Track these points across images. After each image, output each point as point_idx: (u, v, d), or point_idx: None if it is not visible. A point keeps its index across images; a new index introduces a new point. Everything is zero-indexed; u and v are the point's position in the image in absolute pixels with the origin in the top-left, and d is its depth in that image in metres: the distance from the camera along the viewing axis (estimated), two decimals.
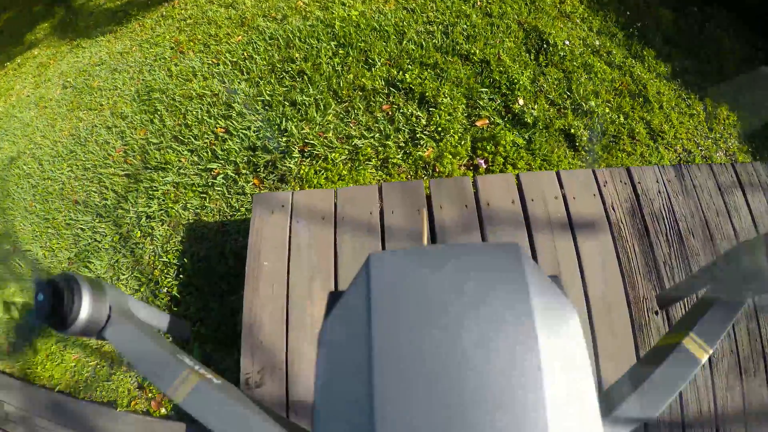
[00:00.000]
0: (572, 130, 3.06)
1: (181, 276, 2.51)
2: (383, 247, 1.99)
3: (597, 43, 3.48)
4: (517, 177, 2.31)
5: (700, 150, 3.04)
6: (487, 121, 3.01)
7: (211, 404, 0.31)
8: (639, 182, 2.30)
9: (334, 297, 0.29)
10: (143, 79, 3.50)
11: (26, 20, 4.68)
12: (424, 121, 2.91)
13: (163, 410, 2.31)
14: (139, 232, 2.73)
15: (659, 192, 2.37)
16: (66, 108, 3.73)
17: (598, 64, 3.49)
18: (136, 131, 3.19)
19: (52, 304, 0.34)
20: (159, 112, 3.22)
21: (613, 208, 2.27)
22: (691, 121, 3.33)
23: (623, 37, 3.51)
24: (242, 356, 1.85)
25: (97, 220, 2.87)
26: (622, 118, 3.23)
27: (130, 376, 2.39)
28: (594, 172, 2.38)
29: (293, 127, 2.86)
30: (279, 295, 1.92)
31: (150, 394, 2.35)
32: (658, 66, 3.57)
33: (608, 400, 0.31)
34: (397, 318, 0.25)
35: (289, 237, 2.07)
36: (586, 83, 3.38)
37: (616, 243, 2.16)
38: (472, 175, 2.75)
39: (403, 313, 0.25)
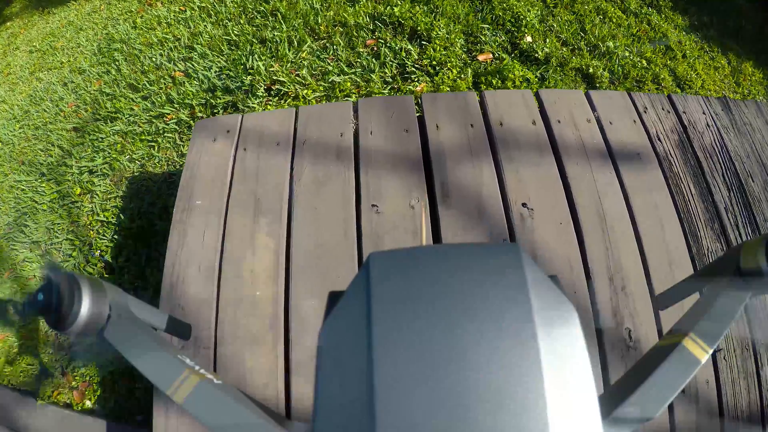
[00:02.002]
0: (591, 70, 2.32)
1: (116, 237, 1.79)
2: (356, 176, 1.26)
3: None
4: (537, 94, 1.59)
5: None
6: (491, 56, 2.27)
7: (212, 405, 0.27)
8: (684, 112, 1.64)
9: (334, 297, 0.26)
10: (106, 33, 2.81)
11: None
12: (415, 55, 2.18)
13: (88, 402, 1.59)
14: (78, 188, 2.03)
15: (708, 125, 1.69)
16: (28, 71, 3.05)
17: (612, 9, 2.80)
18: (91, 84, 2.49)
19: (52, 304, 0.30)
20: (117, 62, 2.53)
21: (659, 139, 1.55)
22: (717, 74, 2.69)
23: None
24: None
25: (39, 180, 2.16)
26: (644, 62, 2.55)
27: (56, 361, 1.68)
28: (630, 95, 1.64)
29: (261, 65, 2.14)
30: (211, 244, 1.20)
31: (74, 383, 1.63)
32: (676, 17, 2.92)
33: (608, 401, 0.27)
34: (397, 318, 0.21)
35: (232, 169, 1.34)
36: (600, 26, 2.65)
37: (668, 180, 1.45)
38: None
39: (403, 313, 0.22)
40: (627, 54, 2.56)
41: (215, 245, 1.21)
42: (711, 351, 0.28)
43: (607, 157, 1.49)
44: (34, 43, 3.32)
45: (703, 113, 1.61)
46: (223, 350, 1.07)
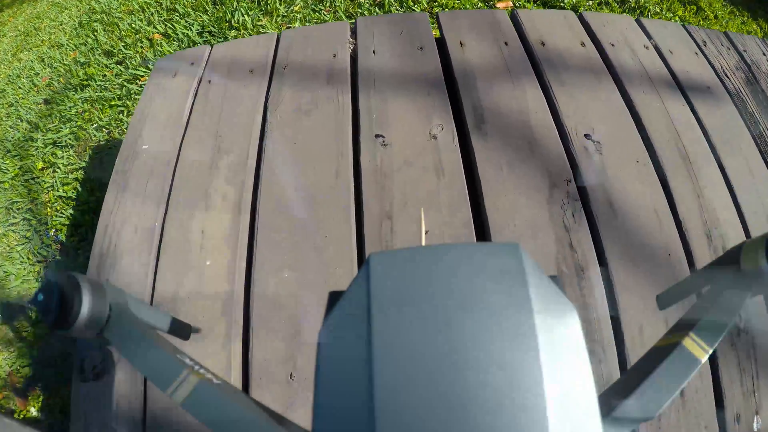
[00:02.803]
0: None
1: (74, 214, 1.42)
2: (353, 102, 0.86)
3: None
4: (581, 17, 1.17)
5: None
6: (510, 4, 1.87)
7: (212, 405, 0.26)
8: (745, 50, 1.32)
9: (334, 297, 0.24)
10: (89, 8, 2.45)
11: None
12: (425, 3, 1.78)
13: (32, 410, 1.22)
14: (41, 162, 1.67)
15: None
16: (10, 54, 2.73)
17: None
18: (67, 56, 2.13)
19: (53, 304, 0.29)
20: (95, 32, 2.20)
21: (726, 75, 1.20)
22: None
23: None
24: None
25: (4, 157, 1.80)
26: (677, 20, 2.12)
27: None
28: (685, 26, 1.31)
29: (248, 19, 1.76)
30: (153, 199, 0.81)
31: (19, 384, 1.26)
32: None
33: (608, 401, 0.26)
34: (397, 318, 0.20)
35: (192, 105, 0.95)
36: None
37: (745, 121, 1.07)
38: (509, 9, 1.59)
39: (403, 314, 0.20)
40: (658, 10, 2.17)
41: (159, 199, 0.83)
42: (711, 351, 0.26)
43: (675, 88, 1.11)
44: (19, 27, 3.02)
45: (764, 54, 1.31)
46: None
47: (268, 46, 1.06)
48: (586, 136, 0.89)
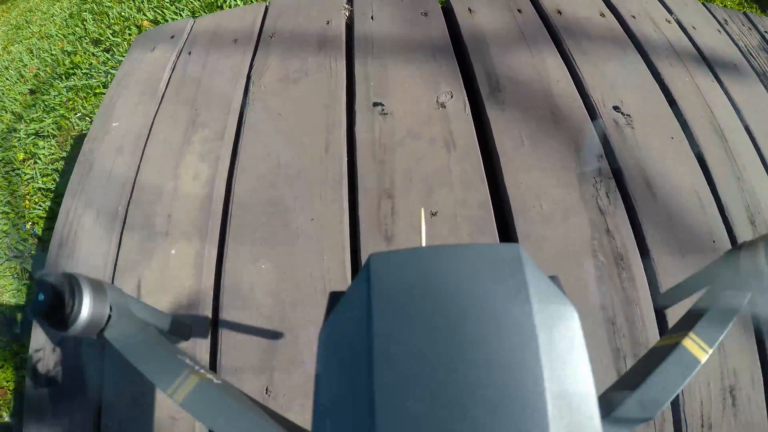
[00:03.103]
0: None
1: (52, 206, 1.29)
2: (348, 69, 0.73)
3: None
4: None
5: None
6: None
7: (212, 405, 0.25)
8: (766, 32, 1.21)
9: (335, 297, 0.23)
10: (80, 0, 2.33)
11: None
12: None
13: (4, 414, 1.11)
14: (22, 154, 1.55)
15: None
16: (1, 47, 2.60)
17: None
18: (56, 46, 2.02)
19: (53, 304, 0.29)
20: (84, 22, 2.08)
21: (751, 54, 1.10)
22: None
23: None
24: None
25: None
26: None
27: None
28: (704, 4, 1.21)
29: (240, 4, 1.63)
30: (119, 179, 0.68)
31: None
32: None
33: (607, 401, 0.25)
34: (397, 318, 0.20)
35: (169, 78, 0.83)
36: None
37: None
38: None
39: (403, 314, 0.20)
40: None
41: (125, 180, 0.70)
42: (711, 351, 0.26)
43: (702, 63, 0.99)
44: (12, 22, 2.91)
45: None
46: (109, 348, 0.55)
47: (255, 15, 0.93)
48: (615, 108, 0.77)
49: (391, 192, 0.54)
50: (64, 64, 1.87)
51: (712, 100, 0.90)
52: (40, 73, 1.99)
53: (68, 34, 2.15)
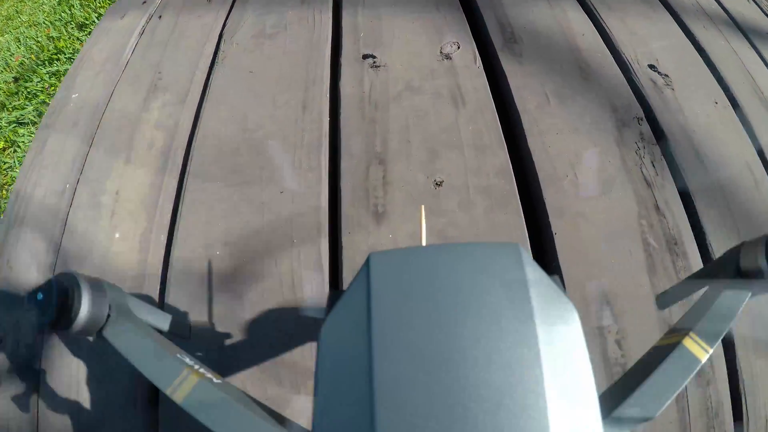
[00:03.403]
0: None
1: None
2: (334, 19, 0.59)
3: None
4: None
5: None
6: None
7: (212, 404, 0.25)
8: None
9: (334, 297, 0.23)
10: None
11: None
12: None
13: None
14: (2, 142, 1.44)
15: None
16: None
17: None
18: (42, 33, 1.90)
19: (52, 304, 0.28)
20: (72, 8, 1.95)
21: None
22: None
23: None
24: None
25: None
26: None
27: None
28: None
29: None
30: (70, 154, 0.56)
31: None
32: None
33: (608, 401, 0.24)
34: (397, 318, 0.20)
35: (136, 44, 0.70)
36: None
37: None
38: None
39: (403, 313, 0.20)
40: None
41: (76, 154, 0.58)
42: (711, 351, 0.25)
43: (735, 29, 0.86)
44: (3, 13, 2.79)
45: None
46: (49, 350, 0.43)
47: None
48: (650, 67, 0.63)
49: (382, 157, 0.42)
50: (48, 50, 1.76)
51: (752, 67, 0.76)
52: (25, 60, 1.89)
53: (55, 20, 2.04)
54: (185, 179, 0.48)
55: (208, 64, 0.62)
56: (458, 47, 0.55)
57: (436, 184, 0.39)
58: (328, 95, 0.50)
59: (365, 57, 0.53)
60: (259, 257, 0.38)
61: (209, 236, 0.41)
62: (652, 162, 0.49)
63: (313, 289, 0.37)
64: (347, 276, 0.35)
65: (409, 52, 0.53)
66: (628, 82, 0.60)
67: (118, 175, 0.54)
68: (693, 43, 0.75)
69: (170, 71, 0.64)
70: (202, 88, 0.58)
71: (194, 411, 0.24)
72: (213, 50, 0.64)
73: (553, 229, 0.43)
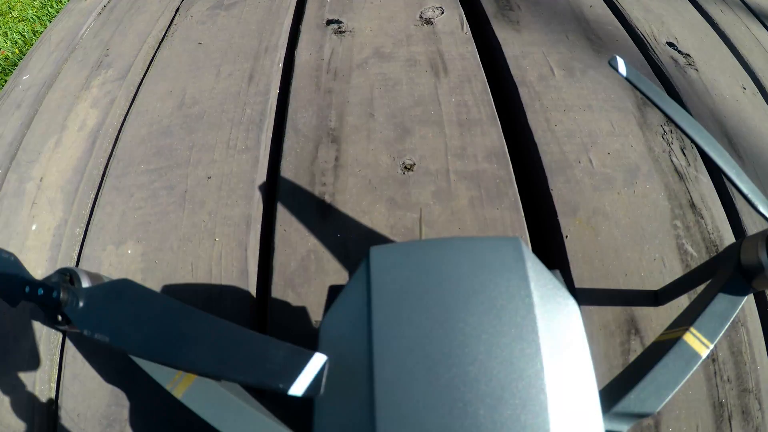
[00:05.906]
0: None
1: None
2: None
3: None
4: None
5: None
6: None
7: (211, 399, 0.24)
8: None
9: (334, 291, 0.23)
10: None
11: None
12: None
13: None
14: None
15: None
16: None
17: None
18: (29, 28, 1.83)
19: (52, 299, 0.26)
20: (60, 3, 1.88)
21: None
22: None
23: None
24: None
25: None
26: None
27: None
28: None
29: None
30: (8, 138, 0.45)
31: None
32: None
33: (609, 396, 0.24)
34: (398, 313, 0.19)
35: (91, 24, 0.61)
36: None
37: None
38: None
39: (404, 308, 0.19)
40: None
41: (12, 139, 0.49)
42: (712, 346, 0.24)
43: (752, 16, 0.76)
44: None
45: None
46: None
47: None
48: (669, 45, 0.54)
49: (336, 134, 0.32)
50: (32, 44, 1.68)
51: None
52: (9, 55, 1.81)
53: (42, 15, 1.97)
54: (109, 163, 0.38)
55: (159, 39, 0.53)
56: (442, 12, 0.45)
57: (405, 168, 0.29)
58: (280, 65, 0.40)
59: (330, 23, 0.44)
60: (172, 260, 0.28)
61: (122, 231, 0.32)
62: (682, 149, 0.39)
63: (235, 306, 0.26)
64: (279, 288, 0.25)
65: (382, 16, 0.44)
66: (646, 59, 0.50)
67: (46, 159, 0.44)
68: (712, 26, 0.66)
69: (117, 49, 0.55)
70: (146, 65, 0.49)
71: (194, 406, 0.23)
72: (166, 24, 0.55)
73: (564, 231, 0.33)
